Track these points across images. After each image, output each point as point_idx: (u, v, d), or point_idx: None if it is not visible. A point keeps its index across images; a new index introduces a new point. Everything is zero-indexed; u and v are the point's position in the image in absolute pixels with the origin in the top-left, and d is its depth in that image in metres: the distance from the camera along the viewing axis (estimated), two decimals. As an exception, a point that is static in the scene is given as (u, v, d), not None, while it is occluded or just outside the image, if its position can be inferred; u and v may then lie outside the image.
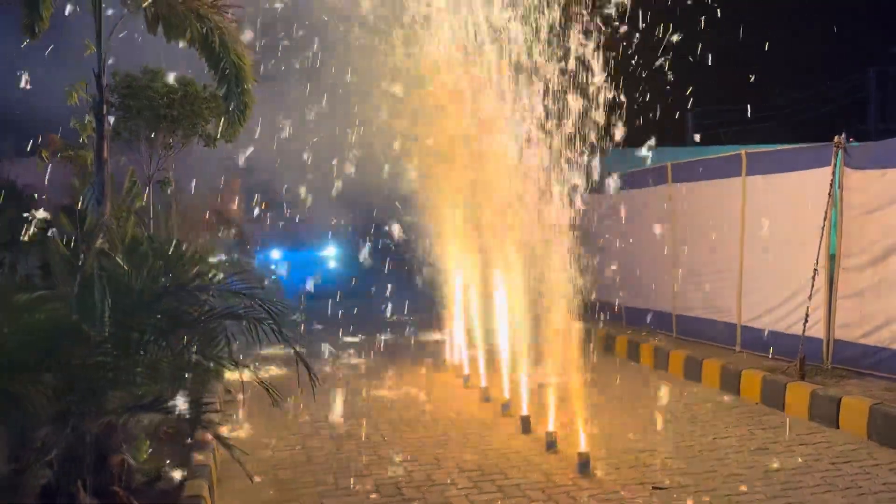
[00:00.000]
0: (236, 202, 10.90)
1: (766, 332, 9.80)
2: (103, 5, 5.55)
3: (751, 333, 10.20)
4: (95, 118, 5.58)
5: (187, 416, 3.65)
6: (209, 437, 6.74)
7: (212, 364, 4.04)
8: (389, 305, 15.96)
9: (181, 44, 6.50)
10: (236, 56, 6.20)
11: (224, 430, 7.49)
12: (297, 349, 4.33)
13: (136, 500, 4.17)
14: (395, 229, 11.88)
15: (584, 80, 7.86)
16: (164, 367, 3.71)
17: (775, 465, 6.55)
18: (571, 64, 7.84)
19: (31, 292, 3.69)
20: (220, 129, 7.11)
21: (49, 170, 9.53)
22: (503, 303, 8.82)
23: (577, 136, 7.82)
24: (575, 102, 7.79)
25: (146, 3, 5.72)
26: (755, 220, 10.10)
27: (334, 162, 13.03)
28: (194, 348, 3.97)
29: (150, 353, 3.71)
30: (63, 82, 8.34)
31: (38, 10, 5.98)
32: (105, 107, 5.36)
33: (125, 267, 4.06)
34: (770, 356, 9.55)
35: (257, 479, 6.28)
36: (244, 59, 6.31)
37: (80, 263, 4.06)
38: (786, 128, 23.77)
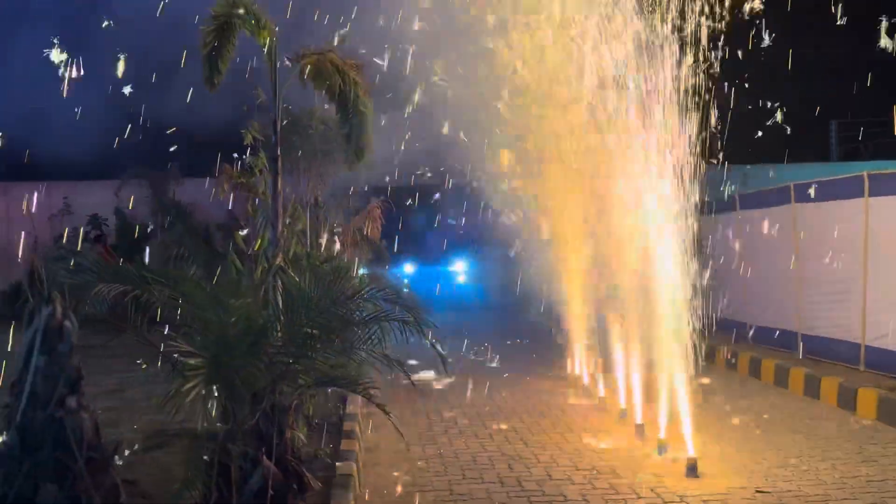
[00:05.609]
0: (377, 223, 12.09)
1: (889, 352, 9.85)
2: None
3: (874, 353, 10.25)
4: (271, 157, 6.70)
5: (356, 390, 4.57)
6: (356, 427, 7.76)
7: (368, 356, 4.99)
8: (514, 320, 16.61)
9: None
10: (362, 106, 7.24)
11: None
12: (436, 345, 5.22)
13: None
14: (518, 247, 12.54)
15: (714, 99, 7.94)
16: (333, 358, 4.69)
17: (879, 477, 6.83)
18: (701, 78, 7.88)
19: (237, 299, 4.76)
20: (348, 159, 8.03)
21: (213, 191, 10.92)
22: (625, 320, 9.26)
23: (706, 154, 7.98)
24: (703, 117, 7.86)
25: (305, 61, 6.85)
26: (877, 241, 10.19)
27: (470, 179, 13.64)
28: (358, 344, 4.95)
29: (324, 347, 4.72)
30: (225, 112, 9.62)
31: (218, 68, 7.16)
32: (279, 147, 6.46)
33: (297, 280, 5.07)
34: (893, 376, 9.62)
35: (395, 472, 7.16)
36: (368, 109, 7.35)
37: (260, 276, 5.10)
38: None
